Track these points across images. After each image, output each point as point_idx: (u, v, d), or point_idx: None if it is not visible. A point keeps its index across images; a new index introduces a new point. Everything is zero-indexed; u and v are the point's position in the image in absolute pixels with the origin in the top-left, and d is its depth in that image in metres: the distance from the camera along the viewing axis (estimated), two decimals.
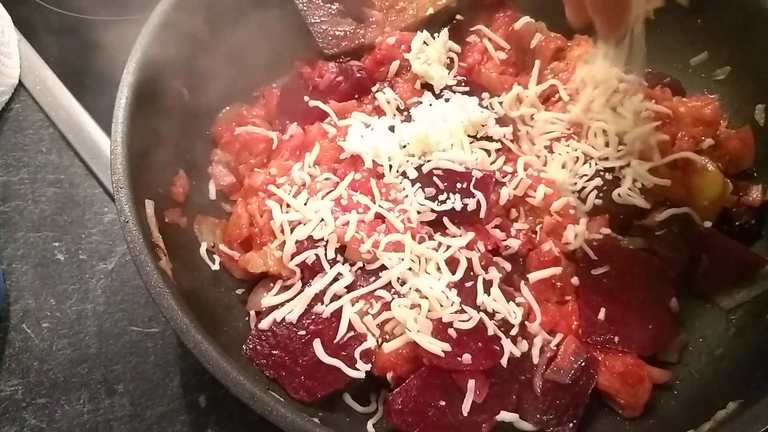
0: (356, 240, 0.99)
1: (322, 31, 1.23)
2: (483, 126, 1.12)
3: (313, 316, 0.97)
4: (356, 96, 1.20)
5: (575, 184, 1.11)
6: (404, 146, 1.10)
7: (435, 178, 1.05)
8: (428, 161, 1.07)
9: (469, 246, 1.02)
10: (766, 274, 1.08)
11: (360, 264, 1.00)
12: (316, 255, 1.00)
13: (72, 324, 1.14)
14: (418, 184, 1.06)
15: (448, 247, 1.01)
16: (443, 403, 0.93)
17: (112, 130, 0.97)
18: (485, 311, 0.97)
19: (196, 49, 1.14)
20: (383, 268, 0.99)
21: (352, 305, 0.97)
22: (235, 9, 1.20)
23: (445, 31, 1.24)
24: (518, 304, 1.01)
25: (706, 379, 1.03)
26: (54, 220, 1.24)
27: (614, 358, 1.00)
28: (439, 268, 1.00)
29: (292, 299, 0.99)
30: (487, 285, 1.00)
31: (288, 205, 1.06)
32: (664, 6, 1.03)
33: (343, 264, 1.00)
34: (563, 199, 1.08)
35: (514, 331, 0.98)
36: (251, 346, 0.97)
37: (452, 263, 1.00)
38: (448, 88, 1.19)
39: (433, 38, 1.22)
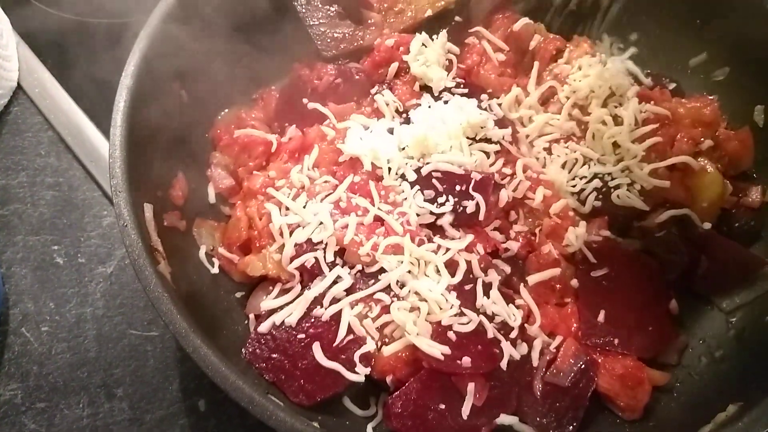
0: (355, 243, 0.99)
1: (321, 33, 1.23)
2: (482, 128, 1.11)
3: (313, 320, 0.97)
4: (355, 98, 1.20)
5: (574, 185, 1.11)
6: (403, 148, 1.09)
7: (434, 181, 1.05)
8: (427, 163, 1.06)
9: (469, 248, 1.02)
10: (766, 276, 1.08)
11: (359, 267, 1.00)
12: (315, 258, 1.00)
13: (71, 327, 1.14)
14: (417, 187, 1.05)
15: (448, 249, 1.01)
16: (443, 406, 0.93)
17: (110, 133, 0.97)
18: (485, 314, 0.97)
19: (195, 51, 1.13)
20: (382, 270, 0.98)
21: (352, 308, 0.97)
22: (233, 11, 1.19)
23: (443, 33, 1.24)
24: (518, 307, 1.01)
25: (705, 381, 1.03)
26: (53, 223, 1.24)
27: (614, 361, 1.00)
28: (438, 271, 1.00)
29: (291, 302, 0.99)
30: (487, 287, 1.00)
31: (287, 208, 1.05)
32: (664, 7, 1.02)
33: (342, 267, 1.00)
34: (562, 201, 1.08)
35: (513, 334, 0.98)
36: (250, 350, 0.97)
37: (451, 266, 1.00)
38: (447, 89, 1.18)
39: (432, 40, 1.22)
